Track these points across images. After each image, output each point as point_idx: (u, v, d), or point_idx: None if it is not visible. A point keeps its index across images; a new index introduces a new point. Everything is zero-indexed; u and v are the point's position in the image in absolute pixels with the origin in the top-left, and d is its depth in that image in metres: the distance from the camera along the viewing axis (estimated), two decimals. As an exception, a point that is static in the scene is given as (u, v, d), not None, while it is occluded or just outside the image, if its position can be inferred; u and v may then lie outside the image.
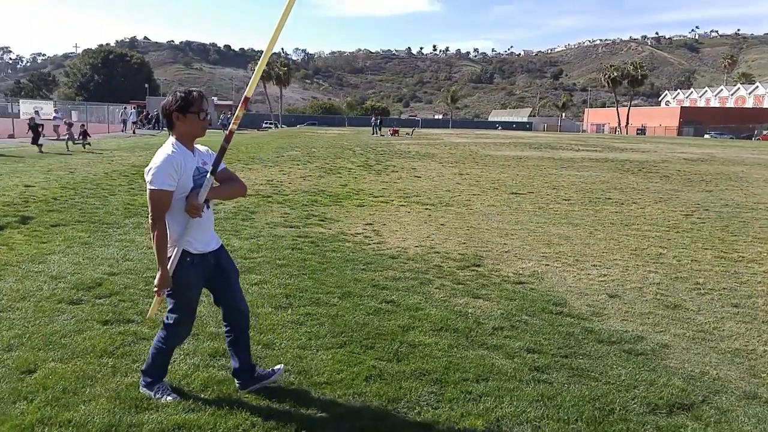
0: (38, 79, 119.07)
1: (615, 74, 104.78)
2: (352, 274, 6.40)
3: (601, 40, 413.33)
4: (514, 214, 11.01)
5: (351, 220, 9.85)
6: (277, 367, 3.77)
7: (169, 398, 3.51)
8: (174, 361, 3.98)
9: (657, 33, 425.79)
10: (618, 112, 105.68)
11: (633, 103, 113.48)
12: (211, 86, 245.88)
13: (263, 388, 3.66)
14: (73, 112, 54.38)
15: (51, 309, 5.02)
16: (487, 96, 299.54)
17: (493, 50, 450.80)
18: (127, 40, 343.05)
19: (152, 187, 3.22)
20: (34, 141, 22.67)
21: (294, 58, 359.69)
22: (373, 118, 61.34)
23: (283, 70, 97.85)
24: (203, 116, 3.36)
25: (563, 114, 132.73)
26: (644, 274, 6.85)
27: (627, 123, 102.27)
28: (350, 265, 6.82)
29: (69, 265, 6.42)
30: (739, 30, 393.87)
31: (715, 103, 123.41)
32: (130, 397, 3.53)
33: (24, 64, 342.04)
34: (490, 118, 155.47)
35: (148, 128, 51.85)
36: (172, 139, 3.35)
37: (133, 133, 46.13)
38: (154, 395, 3.55)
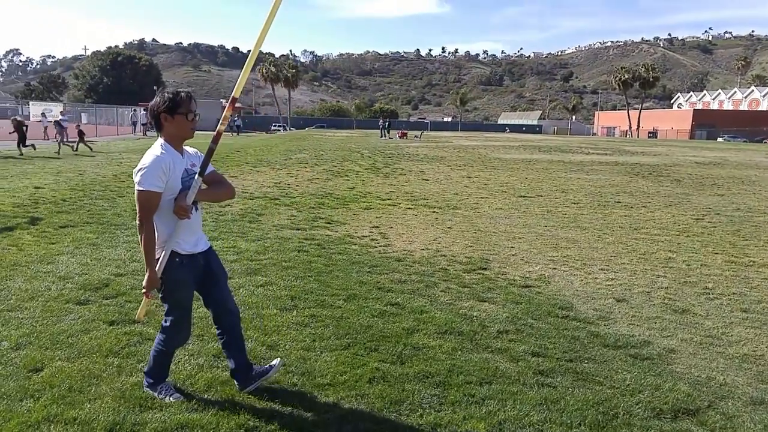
0: (48, 81, 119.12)
1: (626, 76, 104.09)
2: (358, 277, 6.40)
3: (612, 41, 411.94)
4: (522, 217, 10.98)
5: (358, 223, 9.85)
6: (274, 362, 3.77)
7: (172, 398, 3.53)
8: (178, 362, 4.01)
9: (669, 34, 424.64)
10: (629, 115, 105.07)
11: (644, 105, 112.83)
12: (220, 88, 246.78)
13: (266, 388, 3.67)
14: (82, 114, 54.76)
15: (59, 309, 5.08)
16: (497, 98, 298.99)
17: (502, 52, 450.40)
18: (136, 42, 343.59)
19: (140, 188, 3.21)
20: (21, 142, 21.68)
21: (302, 60, 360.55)
22: (382, 121, 61.32)
23: (291, 72, 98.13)
24: (191, 117, 3.34)
25: (573, 117, 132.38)
26: (652, 279, 6.80)
27: (638, 126, 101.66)
28: (356, 267, 6.83)
29: (77, 266, 6.48)
30: (753, 31, 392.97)
31: (728, 106, 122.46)
32: (134, 396, 3.56)
33: (34, 66, 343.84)
34: (500, 121, 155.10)
35: (149, 129, 52.06)
36: (160, 141, 3.35)
37: (144, 134, 46.33)
38: (158, 395, 3.56)
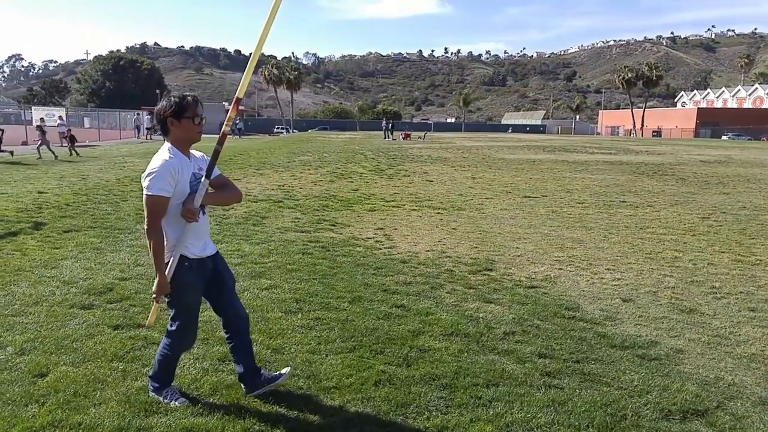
0: (50, 86, 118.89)
1: (629, 75, 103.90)
2: (363, 279, 6.39)
3: (615, 40, 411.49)
4: (527, 217, 10.95)
5: (362, 225, 9.84)
6: (284, 370, 3.76)
7: (177, 402, 3.53)
8: (183, 365, 4.00)
9: (672, 33, 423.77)
10: (633, 114, 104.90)
11: (648, 104, 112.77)
12: (222, 91, 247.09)
13: (272, 392, 3.66)
14: (85, 118, 54.76)
15: (63, 314, 5.08)
16: (500, 99, 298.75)
17: (505, 52, 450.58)
18: (138, 46, 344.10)
19: (149, 193, 3.20)
20: None
21: (304, 62, 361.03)
22: (385, 122, 61.27)
23: (293, 74, 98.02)
24: (198, 121, 3.33)
25: (577, 116, 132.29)
26: (659, 278, 6.77)
27: (642, 125, 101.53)
28: (361, 269, 6.81)
29: (81, 271, 6.48)
30: (756, 29, 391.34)
31: (732, 104, 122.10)
32: (139, 400, 3.56)
33: (36, 71, 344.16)
34: (503, 121, 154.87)
35: (159, 134, 51.95)
36: (167, 145, 3.33)
37: (148, 138, 46.35)
38: (163, 399, 3.56)
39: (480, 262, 7.34)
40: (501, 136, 77.81)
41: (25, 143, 31.38)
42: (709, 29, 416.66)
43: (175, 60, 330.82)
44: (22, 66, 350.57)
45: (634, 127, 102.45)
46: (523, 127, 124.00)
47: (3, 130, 22.29)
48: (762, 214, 11.88)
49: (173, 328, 3.55)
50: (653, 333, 4.99)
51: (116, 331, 4.69)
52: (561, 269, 7.12)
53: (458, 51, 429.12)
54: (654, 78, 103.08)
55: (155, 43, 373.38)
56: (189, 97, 3.34)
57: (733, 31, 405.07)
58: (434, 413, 3.52)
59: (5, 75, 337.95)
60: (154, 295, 3.40)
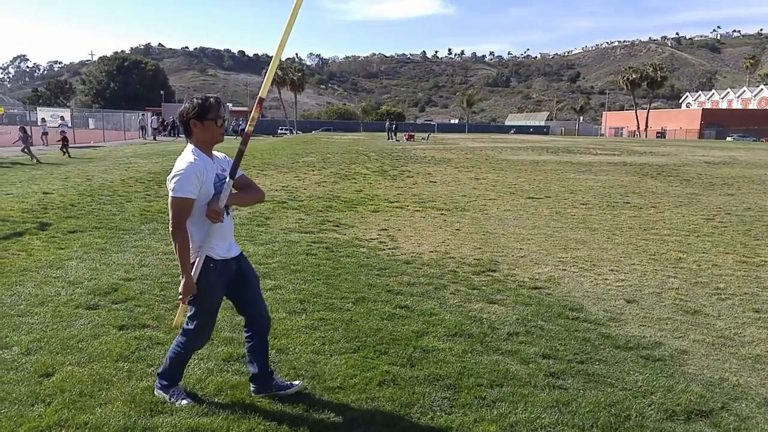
0: (55, 86, 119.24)
1: (634, 76, 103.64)
2: (367, 280, 6.40)
3: (619, 41, 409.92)
4: (530, 218, 10.95)
5: (366, 226, 9.85)
6: (296, 382, 3.77)
7: (183, 402, 3.54)
8: (188, 366, 4.00)
9: (677, 33, 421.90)
10: (637, 115, 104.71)
11: (652, 105, 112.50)
12: (226, 92, 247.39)
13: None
14: (90, 119, 54.71)
15: (68, 314, 5.10)
16: (504, 100, 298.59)
17: (509, 53, 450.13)
18: (142, 47, 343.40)
19: (175, 195, 3.22)
20: None
21: (308, 63, 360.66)
22: (388, 123, 61.26)
23: (297, 75, 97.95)
24: (221, 123, 3.36)
25: (581, 117, 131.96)
26: (663, 279, 6.77)
27: (646, 126, 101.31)
28: (365, 270, 6.82)
29: (86, 271, 6.51)
30: (762, 30, 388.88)
31: (737, 105, 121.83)
32: (145, 400, 3.57)
33: (41, 72, 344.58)
34: (507, 122, 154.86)
35: (164, 135, 51.87)
36: (191, 147, 3.35)
37: (154, 139, 46.44)
38: (169, 399, 3.58)
39: (483, 263, 7.35)
40: (504, 137, 77.74)
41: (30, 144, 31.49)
42: (714, 30, 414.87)
43: (180, 61, 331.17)
44: (27, 67, 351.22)
45: (638, 128, 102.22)
46: (526, 128, 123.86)
47: (24, 129, 22.36)
48: (767, 214, 11.85)
49: (190, 326, 3.55)
50: (657, 334, 4.99)
51: (121, 332, 4.71)
52: (565, 270, 7.13)
53: (462, 52, 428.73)
54: (658, 79, 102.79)
55: (159, 44, 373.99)
56: (212, 99, 3.37)
57: (739, 31, 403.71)
58: (438, 413, 3.53)
59: (10, 76, 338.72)
60: (180, 296, 3.41)
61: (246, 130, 3.47)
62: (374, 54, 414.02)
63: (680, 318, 5.43)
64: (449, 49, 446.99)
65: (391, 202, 12.76)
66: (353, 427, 3.36)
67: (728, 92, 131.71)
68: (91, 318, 5.01)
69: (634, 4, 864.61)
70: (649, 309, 5.67)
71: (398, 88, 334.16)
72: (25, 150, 22.15)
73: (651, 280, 6.75)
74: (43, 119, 37.16)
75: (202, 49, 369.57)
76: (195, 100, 3.35)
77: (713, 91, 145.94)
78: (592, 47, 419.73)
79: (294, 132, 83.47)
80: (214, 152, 3.48)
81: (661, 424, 3.48)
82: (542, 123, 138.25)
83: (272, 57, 3.41)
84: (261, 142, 44.71)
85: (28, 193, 12.64)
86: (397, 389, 3.80)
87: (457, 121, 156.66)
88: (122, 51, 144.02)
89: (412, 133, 61.56)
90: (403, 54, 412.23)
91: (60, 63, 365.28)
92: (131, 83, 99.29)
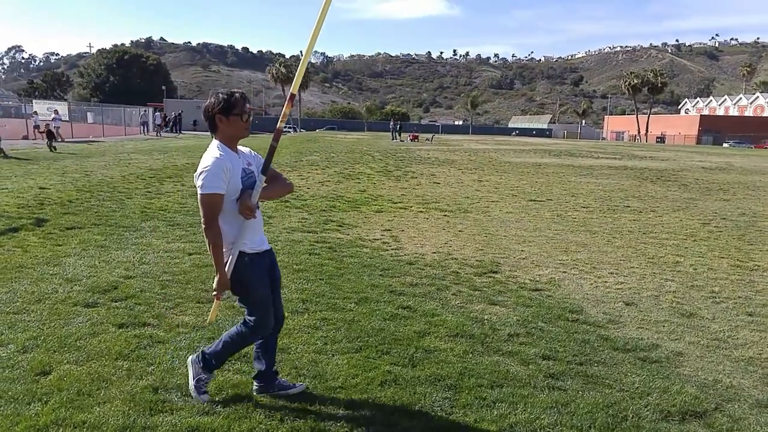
0: (52, 79, 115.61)
1: (635, 81, 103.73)
2: (369, 280, 6.44)
3: (621, 46, 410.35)
4: (532, 221, 11.02)
5: (369, 226, 9.91)
6: (299, 384, 3.79)
7: (204, 396, 3.56)
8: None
9: (677, 40, 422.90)
10: (638, 120, 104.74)
11: (653, 110, 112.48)
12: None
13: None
14: (88, 113, 53.90)
15: (66, 312, 5.03)
16: (508, 102, 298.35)
17: (513, 56, 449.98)
18: (143, 40, 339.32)
19: (204, 192, 3.22)
20: None
21: (313, 61, 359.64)
22: (393, 123, 61.26)
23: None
24: (246, 118, 3.36)
25: (583, 121, 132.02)
26: (661, 282, 6.85)
27: (647, 131, 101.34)
28: (367, 270, 6.86)
29: (84, 268, 6.42)
30: (758, 38, 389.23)
31: (734, 112, 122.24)
32: (144, 399, 3.55)
33: (37, 63, 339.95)
34: (510, 125, 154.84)
35: (166, 131, 51.03)
36: (216, 142, 3.35)
37: (158, 135, 46.06)
38: (193, 383, 3.60)
39: (485, 265, 7.42)
40: (508, 139, 77.77)
41: (25, 137, 31.22)
42: (712, 38, 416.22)
43: (182, 56, 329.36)
44: (23, 58, 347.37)
45: (639, 132, 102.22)
46: (529, 130, 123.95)
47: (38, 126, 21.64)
48: (760, 220, 11.96)
49: (252, 322, 3.54)
50: (654, 336, 5.07)
51: (121, 330, 4.66)
52: (565, 272, 7.20)
53: (467, 53, 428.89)
54: (659, 85, 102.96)
55: (161, 38, 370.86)
56: (237, 94, 3.37)
57: (736, 39, 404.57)
58: (439, 413, 3.58)
59: (5, 67, 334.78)
60: (214, 293, 3.42)
61: (277, 126, 3.48)
62: (379, 53, 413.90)
63: (677, 321, 5.51)
64: (454, 50, 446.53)
65: (395, 203, 12.82)
66: (354, 426, 3.38)
67: (725, 99, 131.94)
68: (90, 316, 4.95)
69: (636, 10, 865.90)
70: (647, 312, 5.75)
71: (403, 88, 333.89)
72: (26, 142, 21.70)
73: (649, 283, 6.82)
74: (35, 112, 36.55)
75: (205, 45, 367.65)
76: (220, 95, 3.34)
77: (711, 97, 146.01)
78: (595, 51, 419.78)
79: (297, 130, 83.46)
80: (239, 147, 3.48)
81: (656, 424, 3.55)
82: (545, 126, 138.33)
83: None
84: (265, 140, 44.67)
85: (24, 188, 12.46)
86: (399, 389, 3.84)
87: (461, 122, 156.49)
88: (122, 44, 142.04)
89: (417, 134, 61.54)
90: (408, 54, 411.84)
91: (57, 55, 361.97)
92: (131, 77, 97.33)
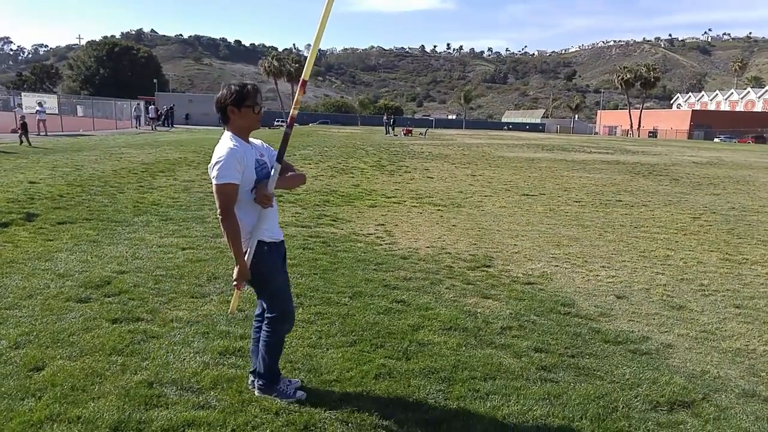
0: (41, 71, 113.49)
1: (628, 76, 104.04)
2: (363, 274, 6.48)
3: (614, 41, 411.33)
4: (525, 215, 11.09)
5: (363, 221, 9.94)
6: (300, 394, 3.70)
7: (300, 394, 3.59)
8: (184, 359, 4.04)
9: (670, 35, 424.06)
10: (630, 115, 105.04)
11: (645, 105, 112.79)
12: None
13: None
14: (78, 106, 52.94)
15: (58, 307, 5.01)
16: (501, 96, 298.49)
17: (507, 50, 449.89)
18: (133, 32, 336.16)
19: (218, 182, 3.22)
20: None
21: (306, 54, 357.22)
22: (386, 118, 61.12)
23: (294, 66, 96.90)
24: (258, 109, 3.37)
25: (576, 116, 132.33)
26: (651, 276, 6.93)
27: (639, 125, 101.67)
28: (361, 265, 6.90)
29: (76, 263, 6.39)
30: (750, 33, 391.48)
31: (725, 107, 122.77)
32: (139, 394, 3.56)
33: (25, 55, 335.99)
34: (503, 119, 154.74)
35: (158, 125, 50.33)
36: (229, 134, 3.36)
37: (153, 129, 45.58)
38: (281, 398, 3.58)
39: (479, 259, 7.48)
40: (501, 133, 77.82)
41: (14, 131, 30.82)
42: (705, 32, 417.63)
43: (174, 49, 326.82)
44: (11, 50, 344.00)
45: (631, 127, 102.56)
46: (522, 125, 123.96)
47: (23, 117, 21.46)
48: (749, 214, 12.09)
49: (274, 314, 3.58)
50: (645, 329, 5.15)
51: (114, 325, 4.65)
52: (557, 266, 7.27)
53: (460, 47, 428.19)
54: (651, 79, 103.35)
55: (152, 30, 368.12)
56: (249, 86, 3.38)
57: (728, 34, 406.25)
58: (433, 406, 3.63)
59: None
60: (234, 283, 3.42)
61: (291, 113, 3.50)
62: (373, 47, 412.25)
63: (666, 313, 5.59)
64: (448, 44, 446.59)
65: (389, 197, 12.85)
66: (349, 419, 3.42)
67: (717, 94, 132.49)
68: (83, 311, 4.93)
69: (629, 4, 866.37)
70: (638, 305, 5.83)
71: (396, 82, 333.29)
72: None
73: (640, 276, 6.91)
74: (19, 105, 35.66)
75: (197, 38, 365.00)
76: (233, 86, 3.35)
77: (703, 92, 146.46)
78: (588, 46, 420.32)
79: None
80: (251, 138, 3.50)
81: (645, 414, 3.62)
82: (538, 120, 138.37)
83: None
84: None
85: (13, 182, 12.31)
86: (393, 382, 3.89)
87: (454, 116, 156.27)
88: (112, 36, 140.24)
89: (410, 128, 61.39)
90: (402, 48, 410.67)
91: (45, 46, 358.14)
92: (122, 70, 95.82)
